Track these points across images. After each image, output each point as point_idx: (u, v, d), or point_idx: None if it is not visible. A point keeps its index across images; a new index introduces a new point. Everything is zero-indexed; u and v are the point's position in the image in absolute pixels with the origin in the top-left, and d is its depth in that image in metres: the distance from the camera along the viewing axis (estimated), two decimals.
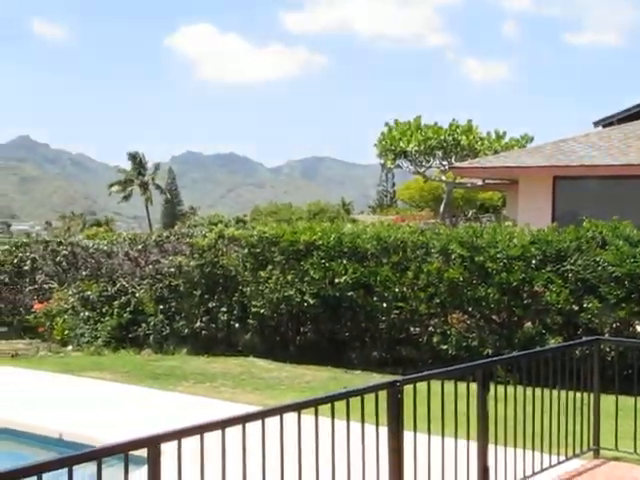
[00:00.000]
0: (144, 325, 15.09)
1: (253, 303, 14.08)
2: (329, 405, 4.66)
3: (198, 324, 14.55)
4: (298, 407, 4.56)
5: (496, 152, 31.68)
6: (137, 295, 15.43)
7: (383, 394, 4.99)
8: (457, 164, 29.95)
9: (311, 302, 13.33)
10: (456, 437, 5.44)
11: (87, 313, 15.37)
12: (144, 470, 3.94)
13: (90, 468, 3.81)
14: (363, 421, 4.71)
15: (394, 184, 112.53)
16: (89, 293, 15.70)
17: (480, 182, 28.52)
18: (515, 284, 11.59)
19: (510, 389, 6.05)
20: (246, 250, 14.40)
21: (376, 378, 11.23)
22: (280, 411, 4.51)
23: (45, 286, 16.52)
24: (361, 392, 4.95)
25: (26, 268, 16.59)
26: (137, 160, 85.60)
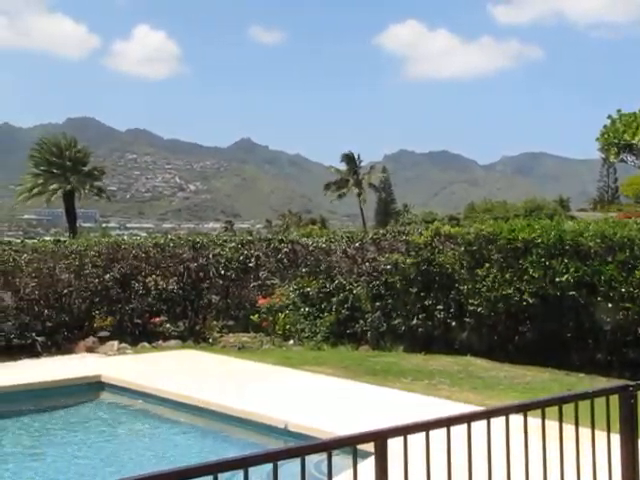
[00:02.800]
0: (361, 321, 15.39)
1: (470, 301, 13.95)
2: (554, 408, 4.52)
3: (414, 321, 14.63)
4: (525, 408, 4.46)
5: None
6: (354, 292, 15.75)
7: (613, 399, 4.78)
8: None
9: (530, 301, 13.01)
10: None
11: (307, 309, 15.90)
12: (364, 463, 4.01)
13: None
14: (593, 426, 4.54)
15: (616, 179, 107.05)
16: (309, 289, 16.23)
17: None
18: None
19: None
20: (462, 248, 14.30)
21: (602, 382, 10.76)
22: (505, 411, 4.43)
23: (268, 282, 17.24)
24: (591, 395, 4.76)
25: (251, 265, 17.40)
26: (351, 160, 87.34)
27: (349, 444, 4.02)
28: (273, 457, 3.72)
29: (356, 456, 3.93)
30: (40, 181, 47.83)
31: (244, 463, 3.58)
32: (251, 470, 3.56)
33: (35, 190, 48.43)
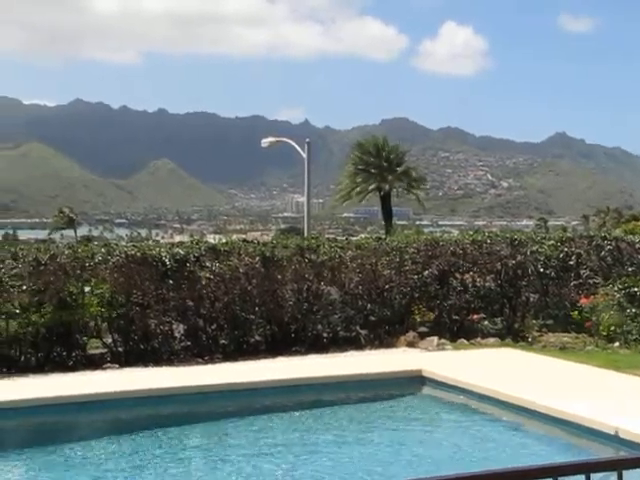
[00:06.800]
0: None
1: None
2: None
3: None
4: None
5: None
6: None
7: None
8: None
9: None
10: None
11: (634, 310, 14.99)
12: None
13: None
14: None
15: None
16: (636, 289, 15.30)
17: None
18: None
19: None
20: None
21: None
22: None
23: (589, 281, 16.55)
24: None
25: (571, 263, 16.80)
26: None
27: None
28: (617, 464, 3.54)
29: None
30: (359, 180, 50.02)
31: (584, 468, 3.45)
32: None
33: (353, 190, 50.75)
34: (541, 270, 16.80)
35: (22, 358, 13.45)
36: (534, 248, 16.95)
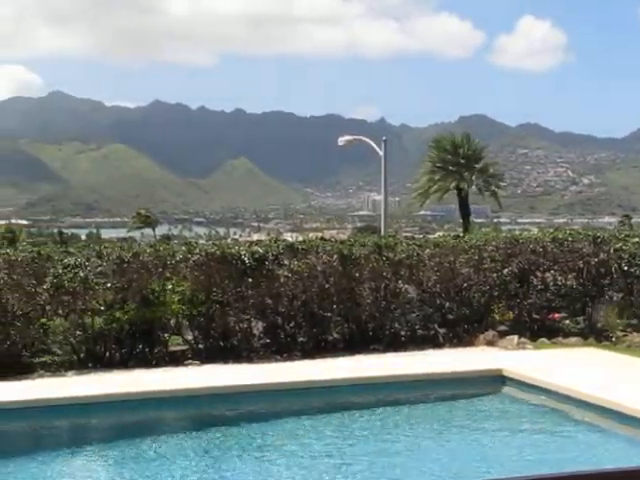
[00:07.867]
0: None
1: None
2: None
3: None
4: None
5: None
6: None
7: None
8: None
9: None
10: None
11: None
12: None
13: None
14: None
15: None
16: None
17: None
18: None
19: None
20: None
21: None
22: None
23: None
24: None
25: None
26: None
27: None
28: None
29: None
30: (437, 177, 49.60)
31: None
32: None
33: (431, 188, 50.32)
34: (625, 268, 16.38)
35: (107, 354, 13.78)
36: (618, 246, 16.54)
